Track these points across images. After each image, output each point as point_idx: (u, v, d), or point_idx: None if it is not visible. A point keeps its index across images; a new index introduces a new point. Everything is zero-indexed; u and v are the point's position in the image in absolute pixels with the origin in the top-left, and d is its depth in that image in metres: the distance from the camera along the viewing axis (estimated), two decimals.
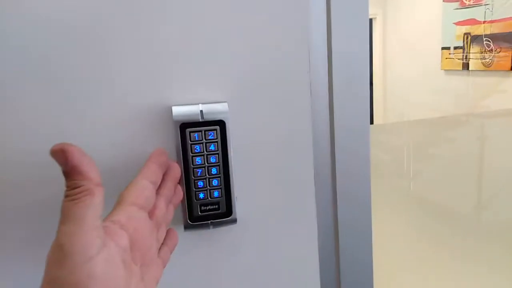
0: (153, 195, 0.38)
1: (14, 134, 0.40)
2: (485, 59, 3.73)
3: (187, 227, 0.46)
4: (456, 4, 4.00)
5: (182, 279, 0.48)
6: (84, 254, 0.27)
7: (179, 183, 0.44)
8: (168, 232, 0.42)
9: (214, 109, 0.44)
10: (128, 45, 0.42)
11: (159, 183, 0.40)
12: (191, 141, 0.44)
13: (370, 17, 5.23)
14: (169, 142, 0.44)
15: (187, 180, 0.44)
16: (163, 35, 0.43)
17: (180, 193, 0.44)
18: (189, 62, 0.44)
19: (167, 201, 0.41)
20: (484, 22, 3.69)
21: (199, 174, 0.45)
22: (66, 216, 0.29)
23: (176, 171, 0.42)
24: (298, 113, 0.47)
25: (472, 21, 3.83)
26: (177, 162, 0.44)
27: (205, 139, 0.44)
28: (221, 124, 0.44)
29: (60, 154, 0.29)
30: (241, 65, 0.45)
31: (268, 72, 0.46)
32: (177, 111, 0.43)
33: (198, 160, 0.44)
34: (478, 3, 3.73)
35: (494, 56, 3.62)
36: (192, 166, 0.44)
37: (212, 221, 0.46)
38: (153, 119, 0.44)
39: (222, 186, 0.46)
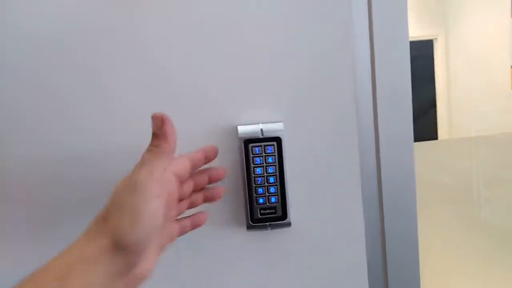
0: (187, 173, 0.45)
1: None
2: None
3: (249, 227, 0.54)
4: None
5: (242, 272, 0.56)
6: (150, 193, 0.37)
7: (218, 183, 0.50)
8: (198, 213, 0.48)
9: (272, 127, 0.53)
10: (197, 77, 0.52)
11: (198, 167, 0.47)
12: (253, 154, 0.53)
13: (431, 37, 5.12)
14: (235, 155, 0.53)
15: (249, 187, 0.53)
16: (229, 64, 0.53)
17: (219, 191, 0.49)
18: (250, 88, 0.53)
19: (196, 186, 0.48)
20: None
21: (259, 182, 0.53)
22: (144, 162, 0.39)
23: (215, 170, 0.49)
24: (344, 129, 0.54)
25: None
26: (241, 171, 0.52)
27: (265, 153, 0.53)
28: (277, 140, 0.53)
29: (159, 120, 0.40)
30: (294, 90, 0.53)
31: (317, 94, 0.54)
32: (242, 129, 0.53)
33: (258, 170, 0.53)
34: None
35: None
36: (253, 175, 0.53)
37: (270, 223, 0.54)
38: (222, 137, 0.53)
39: (279, 193, 0.54)
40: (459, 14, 4.79)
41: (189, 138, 0.53)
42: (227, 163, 0.54)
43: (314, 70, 0.53)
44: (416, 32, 5.09)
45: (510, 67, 4.06)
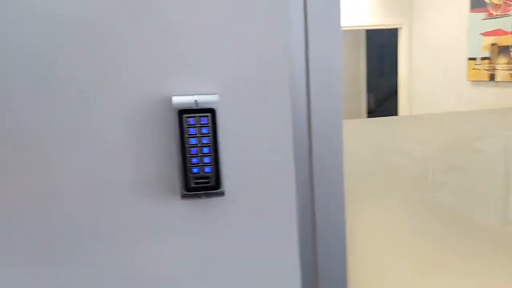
0: None
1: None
2: None
3: (183, 196, 0.56)
4: (483, 15, 3.96)
5: (178, 240, 0.58)
6: None
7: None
8: None
9: (207, 99, 0.54)
10: (135, 47, 0.53)
11: None
12: (187, 125, 0.54)
13: (396, 26, 5.24)
14: (170, 125, 0.54)
15: (184, 156, 0.54)
16: (166, 38, 0.53)
17: None
18: (187, 61, 0.54)
19: None
20: None
21: (193, 152, 0.55)
22: None
23: None
24: (278, 102, 0.56)
25: (500, 32, 3.79)
26: (176, 141, 0.54)
27: (199, 124, 0.54)
28: (212, 111, 0.54)
29: None
30: (230, 65, 0.55)
31: (253, 68, 0.55)
32: (176, 100, 0.54)
33: (192, 140, 0.54)
34: (506, 13, 3.69)
35: None
36: (187, 145, 0.54)
37: (204, 192, 0.56)
38: (157, 107, 0.54)
39: (213, 163, 0.55)
40: (424, 4, 4.92)
41: (126, 108, 0.54)
42: (162, 133, 0.55)
43: (250, 46, 0.55)
44: (382, 20, 5.19)
45: (467, 59, 4.25)
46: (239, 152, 0.57)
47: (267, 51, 0.55)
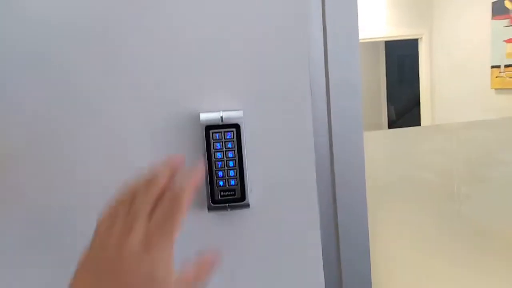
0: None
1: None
2: None
3: (210, 208, 0.58)
4: (506, 22, 3.90)
5: (203, 251, 0.60)
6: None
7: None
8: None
9: (231, 115, 0.57)
10: (165, 67, 0.56)
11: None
12: (213, 139, 0.56)
13: (416, 37, 5.21)
14: (197, 140, 0.57)
15: (210, 170, 0.57)
16: (193, 58, 0.56)
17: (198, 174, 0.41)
18: (213, 79, 0.57)
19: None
20: None
21: (219, 166, 0.57)
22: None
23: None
24: (300, 117, 0.58)
25: None
26: (203, 156, 0.56)
27: (224, 138, 0.57)
28: (236, 126, 0.57)
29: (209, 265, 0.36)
30: (254, 82, 0.57)
31: (275, 85, 0.58)
32: (203, 116, 0.57)
33: (218, 155, 0.57)
34: None
35: None
36: (214, 159, 0.57)
37: (229, 204, 0.58)
38: (185, 123, 0.57)
39: (238, 177, 0.58)
40: (443, 14, 4.88)
41: (155, 124, 0.57)
42: (189, 148, 0.57)
43: (272, 64, 0.57)
44: (402, 31, 5.17)
45: (490, 67, 4.17)
46: (263, 166, 0.59)
47: (288, 68, 0.57)
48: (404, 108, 6.55)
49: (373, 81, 6.62)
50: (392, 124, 6.57)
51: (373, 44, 6.20)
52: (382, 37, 5.31)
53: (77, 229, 0.58)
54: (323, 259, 0.61)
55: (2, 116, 0.55)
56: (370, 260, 0.62)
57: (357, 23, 0.58)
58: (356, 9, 0.58)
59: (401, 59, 6.66)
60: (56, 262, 0.58)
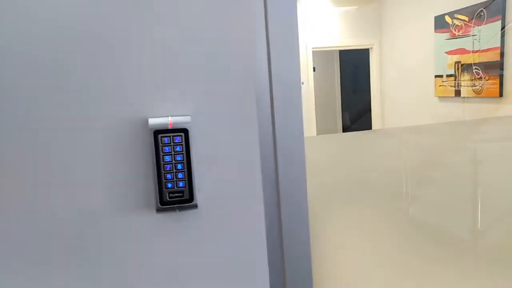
0: None
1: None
2: (475, 86, 3.89)
3: (158, 210, 0.60)
4: (447, 35, 4.20)
5: (154, 251, 0.62)
6: None
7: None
8: None
9: (180, 120, 0.60)
10: (113, 73, 0.58)
11: None
12: (162, 143, 0.59)
13: (366, 46, 5.47)
14: (146, 144, 0.59)
15: (159, 173, 0.59)
16: (142, 65, 0.58)
17: None
18: (162, 85, 0.59)
19: None
20: (473, 51, 3.88)
21: (167, 168, 0.59)
22: None
23: None
24: (246, 121, 0.62)
25: (462, 51, 4.03)
26: (152, 159, 0.58)
27: (173, 142, 0.59)
28: (185, 131, 0.59)
29: None
30: (201, 88, 0.61)
31: (223, 91, 0.61)
32: (152, 121, 0.59)
33: (167, 158, 0.59)
34: (466, 34, 3.93)
35: (483, 84, 3.78)
36: (162, 162, 0.59)
37: (178, 205, 0.60)
38: (134, 128, 0.59)
39: (186, 179, 0.60)
40: (391, 25, 5.17)
41: (106, 129, 0.58)
42: (139, 151, 0.60)
43: (219, 71, 0.61)
44: (354, 41, 5.41)
45: (434, 77, 4.47)
46: (210, 168, 0.62)
47: (234, 74, 0.61)
48: (357, 114, 6.83)
49: (329, 88, 6.85)
50: (346, 129, 6.83)
51: (327, 53, 6.43)
52: (336, 46, 5.52)
53: None
54: (268, 257, 0.65)
55: None
56: (310, 252, 0.67)
57: (297, 31, 0.63)
58: (296, 21, 0.63)
59: (355, 68, 6.95)
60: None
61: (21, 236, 0.58)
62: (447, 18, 4.19)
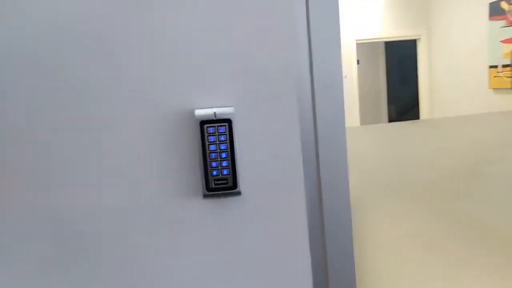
0: None
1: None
2: None
3: (205, 196, 0.64)
4: (503, 22, 3.95)
5: (200, 234, 0.66)
6: None
7: None
8: None
9: (224, 111, 0.63)
10: (162, 69, 0.62)
11: None
12: (207, 133, 0.62)
13: (414, 37, 5.26)
14: (193, 134, 0.63)
15: (205, 161, 0.63)
16: (190, 60, 0.62)
17: None
18: (208, 78, 0.63)
19: None
20: None
21: (213, 157, 0.63)
22: None
23: None
24: (287, 112, 0.64)
25: None
26: (198, 148, 0.62)
27: (218, 132, 0.63)
28: (229, 121, 0.63)
29: None
30: (244, 80, 0.63)
31: (265, 83, 0.64)
32: (198, 112, 0.63)
33: (212, 147, 0.63)
34: None
35: None
36: (208, 151, 0.63)
37: (222, 192, 0.64)
38: (182, 119, 0.63)
39: (230, 167, 0.64)
40: (441, 15, 4.93)
41: (156, 121, 0.63)
42: (186, 141, 0.64)
43: (261, 64, 0.63)
44: (400, 32, 5.22)
45: (488, 67, 4.22)
46: (253, 156, 0.65)
47: (275, 67, 0.63)
48: (403, 108, 6.61)
49: (374, 81, 6.68)
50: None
51: (372, 45, 6.26)
52: (381, 38, 5.37)
53: (75, 230, 0.64)
54: (309, 242, 0.67)
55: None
56: (352, 240, 0.68)
57: (339, 25, 0.64)
58: (338, 15, 0.64)
59: (401, 59, 6.71)
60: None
61: (78, 224, 0.64)
62: (503, 4, 3.93)
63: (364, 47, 5.95)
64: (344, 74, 5.14)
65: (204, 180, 0.64)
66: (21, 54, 0.60)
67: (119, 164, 0.63)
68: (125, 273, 0.66)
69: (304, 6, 0.64)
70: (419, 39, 5.24)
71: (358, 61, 5.32)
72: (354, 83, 5.25)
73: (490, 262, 1.80)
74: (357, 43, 5.15)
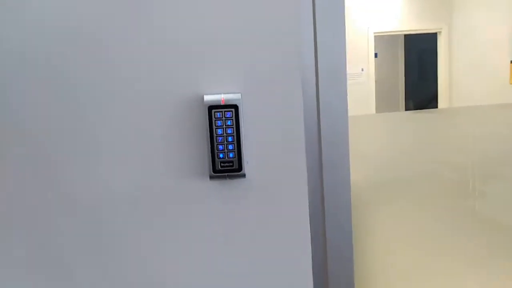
0: None
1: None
2: None
3: (211, 177, 0.68)
4: None
5: (206, 213, 0.70)
6: None
7: None
8: None
9: (231, 97, 0.66)
10: (174, 58, 0.66)
11: None
12: (215, 118, 0.66)
13: (435, 31, 5.16)
14: (201, 119, 0.67)
15: (212, 144, 0.66)
16: (200, 48, 0.66)
17: None
18: (216, 66, 0.66)
19: None
20: None
21: (219, 140, 0.67)
22: None
23: None
24: (291, 99, 0.67)
25: None
26: (206, 132, 0.66)
27: (225, 117, 0.66)
28: (235, 107, 0.66)
29: None
30: (251, 68, 0.66)
31: (271, 71, 0.67)
32: (207, 98, 0.66)
33: (219, 131, 0.66)
34: None
35: None
36: (215, 135, 0.66)
37: (228, 174, 0.68)
38: (191, 104, 0.67)
39: (236, 150, 0.67)
40: (463, 8, 4.82)
41: (168, 105, 0.67)
42: (194, 125, 0.67)
43: (268, 52, 0.66)
44: (421, 25, 5.14)
45: (510, 62, 4.12)
46: (258, 141, 0.68)
47: (282, 56, 0.66)
48: (422, 102, 6.51)
49: (392, 75, 6.59)
50: None
51: (391, 37, 6.17)
52: (401, 31, 5.29)
53: (96, 219, 0.69)
54: (310, 223, 0.71)
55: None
56: (351, 220, 0.71)
57: (344, 16, 0.66)
58: (344, 4, 0.66)
59: (421, 53, 6.60)
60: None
61: (90, 204, 0.69)
62: None
63: (382, 40, 5.88)
64: (360, 67, 5.09)
65: (211, 162, 0.67)
66: (30, 48, 0.65)
67: (131, 146, 0.68)
68: (133, 251, 0.70)
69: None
70: (440, 32, 5.14)
71: (376, 54, 5.26)
72: (371, 77, 5.20)
73: (501, 263, 1.76)
74: (375, 36, 5.09)
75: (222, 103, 0.66)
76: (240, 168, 0.67)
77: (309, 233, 0.71)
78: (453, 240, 1.90)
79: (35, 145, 0.67)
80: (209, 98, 0.66)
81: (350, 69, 4.80)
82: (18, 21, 0.64)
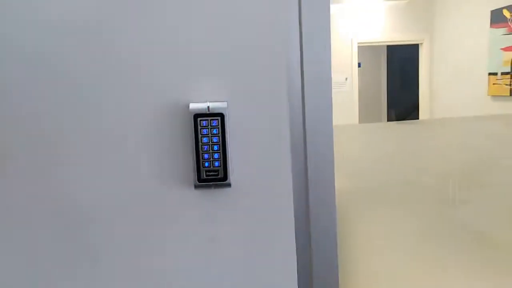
0: None
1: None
2: None
3: (196, 186, 0.67)
4: (504, 30, 3.97)
5: (191, 223, 0.68)
6: None
7: None
8: None
9: (217, 105, 0.66)
10: (160, 63, 0.65)
11: None
12: (200, 126, 0.65)
13: (416, 42, 5.29)
14: (186, 127, 0.66)
15: (197, 153, 0.66)
16: (186, 56, 0.65)
17: None
18: (202, 74, 0.66)
19: None
20: None
21: (205, 149, 0.66)
22: None
23: None
24: (277, 109, 0.67)
25: None
26: (191, 140, 0.65)
27: (210, 125, 0.66)
28: (221, 115, 0.65)
29: None
30: (237, 77, 0.66)
31: (257, 80, 0.66)
32: (192, 106, 0.65)
33: (205, 139, 0.66)
34: None
35: None
36: (201, 143, 0.66)
37: (213, 183, 0.67)
38: (176, 112, 0.66)
39: (221, 159, 0.66)
40: (444, 20, 4.96)
41: (153, 112, 0.66)
42: (179, 133, 0.66)
43: (253, 62, 0.66)
44: (403, 36, 5.25)
45: (487, 74, 4.24)
46: (243, 150, 0.68)
47: (267, 65, 0.66)
48: (404, 112, 6.63)
49: (375, 85, 6.70)
50: None
51: (374, 48, 6.28)
52: (384, 41, 5.39)
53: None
54: (295, 231, 0.70)
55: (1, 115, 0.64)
56: (336, 224, 0.71)
57: (329, 27, 0.67)
58: (329, 14, 0.66)
59: (402, 63, 6.73)
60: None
61: (75, 209, 0.67)
62: (505, 12, 3.96)
63: (366, 50, 5.98)
64: (344, 76, 5.16)
65: (196, 171, 0.66)
66: (30, 47, 0.63)
67: (116, 153, 0.66)
68: (116, 259, 0.69)
69: (297, 5, 0.67)
70: (421, 43, 5.27)
71: (359, 64, 5.34)
72: (355, 86, 5.27)
73: (478, 265, 1.81)
74: (359, 46, 5.18)
75: (208, 112, 0.65)
76: (225, 177, 0.67)
77: (294, 242, 0.70)
78: (431, 243, 1.95)
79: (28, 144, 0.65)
80: (195, 106, 0.66)
81: (334, 78, 4.86)
82: (18, 20, 0.63)
